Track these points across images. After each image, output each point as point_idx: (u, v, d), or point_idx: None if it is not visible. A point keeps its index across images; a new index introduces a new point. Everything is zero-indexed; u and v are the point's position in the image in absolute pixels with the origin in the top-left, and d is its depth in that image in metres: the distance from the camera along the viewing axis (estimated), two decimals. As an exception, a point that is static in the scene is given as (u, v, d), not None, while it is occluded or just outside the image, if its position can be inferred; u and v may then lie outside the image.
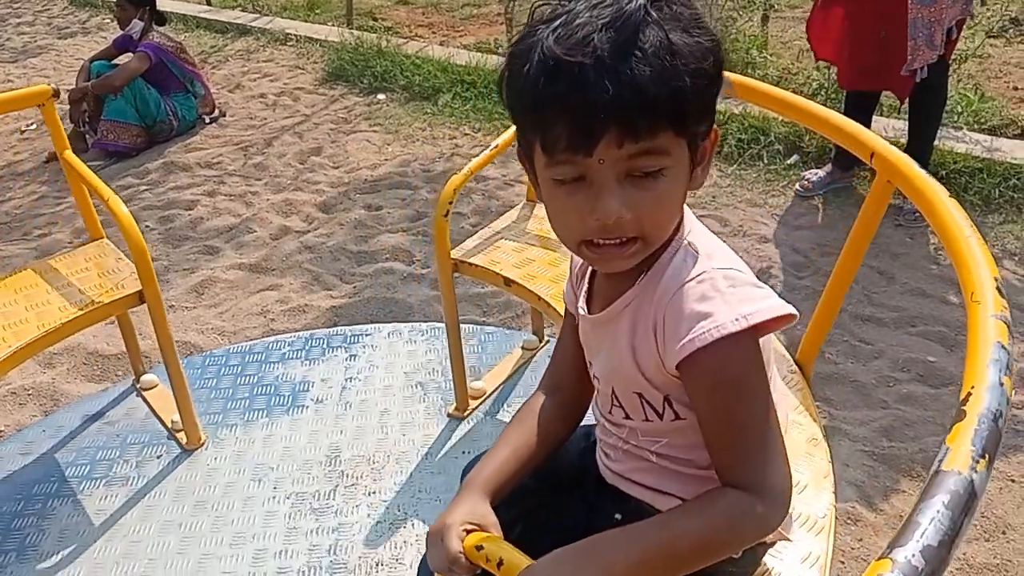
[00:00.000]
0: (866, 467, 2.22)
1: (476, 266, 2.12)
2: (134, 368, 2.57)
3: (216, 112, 5.02)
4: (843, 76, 3.43)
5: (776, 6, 5.72)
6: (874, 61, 3.23)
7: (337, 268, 3.31)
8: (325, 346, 2.68)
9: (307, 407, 2.41)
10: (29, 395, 2.67)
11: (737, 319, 0.87)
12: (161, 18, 4.87)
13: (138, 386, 2.54)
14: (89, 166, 4.38)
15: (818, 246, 3.22)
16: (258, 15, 6.95)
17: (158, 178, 4.29)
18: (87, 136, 4.65)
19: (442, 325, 2.31)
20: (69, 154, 2.29)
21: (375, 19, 6.70)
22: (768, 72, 4.60)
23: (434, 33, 6.40)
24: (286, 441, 2.29)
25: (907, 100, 3.34)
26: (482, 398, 2.39)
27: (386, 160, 4.30)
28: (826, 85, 4.23)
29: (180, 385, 2.17)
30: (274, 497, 2.10)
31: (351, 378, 2.52)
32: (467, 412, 2.36)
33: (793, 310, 0.90)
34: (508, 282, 2.05)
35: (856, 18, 3.24)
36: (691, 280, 0.92)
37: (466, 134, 4.53)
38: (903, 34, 3.08)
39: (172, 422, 2.35)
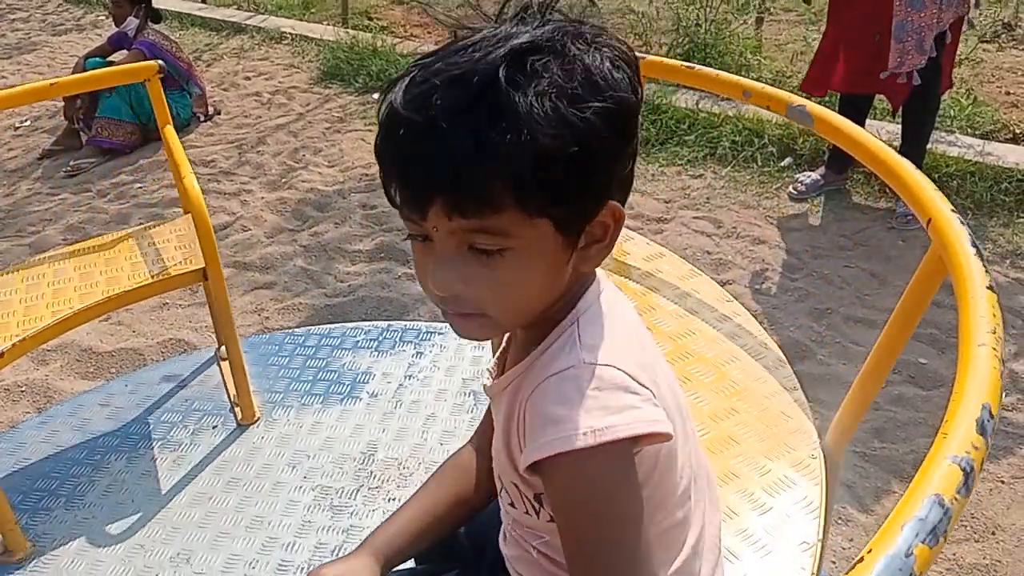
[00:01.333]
0: (857, 468, 2.23)
1: None
2: (217, 336, 2.60)
3: (211, 110, 5.01)
4: (836, 79, 3.44)
5: (771, 9, 5.74)
6: (867, 65, 3.25)
7: (332, 267, 3.32)
8: (397, 339, 2.66)
9: (361, 399, 2.40)
10: (23, 392, 2.67)
11: (586, 433, 0.73)
12: (156, 15, 4.86)
13: (219, 355, 2.56)
14: (82, 163, 4.41)
15: (811, 248, 3.24)
16: (253, 13, 6.94)
17: (152, 176, 4.29)
18: (81, 133, 4.64)
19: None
20: (169, 129, 2.32)
21: (370, 18, 6.70)
22: (762, 75, 4.62)
23: (429, 33, 6.40)
24: (330, 431, 2.29)
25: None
26: None
27: (381, 159, 4.29)
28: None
29: (237, 361, 2.20)
30: (301, 487, 2.11)
31: (410, 376, 2.49)
32: None
33: (665, 429, 0.76)
34: None
35: (851, 22, 3.26)
36: (557, 373, 0.77)
37: (461, 134, 4.53)
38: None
39: (234, 395, 2.37)
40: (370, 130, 4.66)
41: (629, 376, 0.76)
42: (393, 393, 2.43)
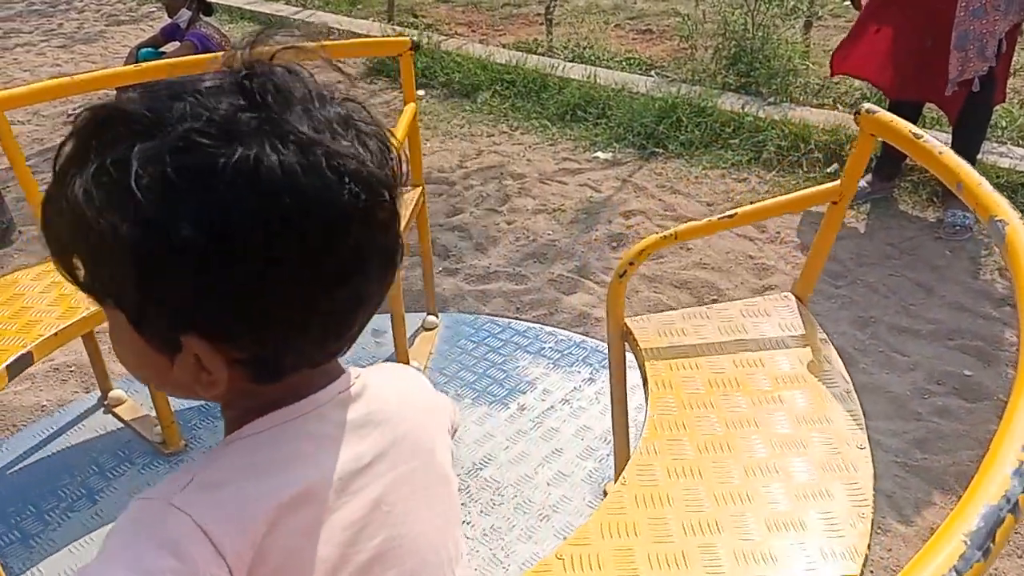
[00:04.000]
0: (898, 478, 2.21)
1: (639, 347, 1.73)
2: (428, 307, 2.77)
3: (258, 102, 5.08)
4: (887, 87, 3.40)
5: (820, 14, 5.67)
6: (918, 71, 3.21)
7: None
8: (581, 357, 2.57)
9: (508, 408, 2.36)
10: (71, 371, 2.73)
11: None
12: (208, 8, 4.94)
13: (423, 324, 2.73)
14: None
15: (856, 255, 3.20)
16: (301, 8, 7.03)
17: (200, 165, 4.36)
18: (132, 122, 4.73)
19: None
20: (412, 106, 2.41)
21: (415, 16, 6.75)
22: (810, 80, 4.57)
23: (474, 31, 6.44)
24: (461, 430, 2.25)
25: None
26: None
27: (424, 155, 4.33)
28: (868, 95, 4.20)
29: (400, 335, 2.30)
30: None
31: (567, 401, 2.38)
32: None
33: None
34: (644, 380, 1.69)
35: (902, 27, 3.22)
36: (144, 498, 0.65)
37: (503, 132, 4.55)
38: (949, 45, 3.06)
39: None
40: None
41: (203, 535, 0.62)
42: (541, 413, 2.35)
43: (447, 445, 0.84)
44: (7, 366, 1.88)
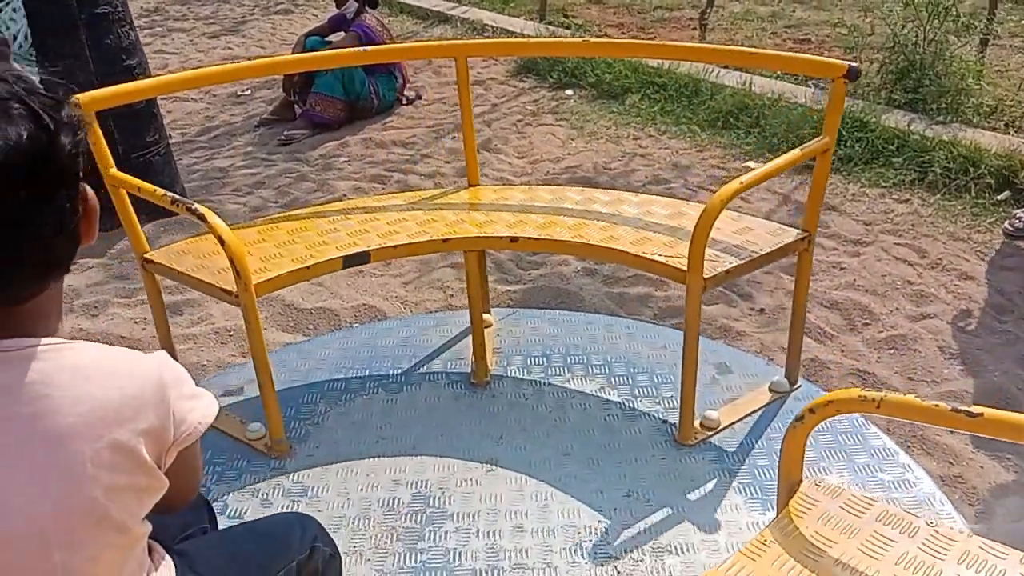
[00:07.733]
0: None
1: (778, 515, 1.39)
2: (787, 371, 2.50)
3: (412, 95, 5.25)
4: None
5: (997, 33, 5.34)
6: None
7: (515, 255, 3.40)
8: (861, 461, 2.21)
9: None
10: (231, 335, 2.91)
11: None
12: (373, 1, 5.14)
13: (771, 385, 2.49)
14: (295, 134, 4.73)
15: (1025, 290, 3.00)
16: (457, 4, 7.20)
17: (356, 152, 4.54)
18: (296, 105, 4.98)
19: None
20: (826, 140, 2.12)
21: (566, 16, 6.79)
22: (983, 101, 4.32)
23: (624, 33, 6.41)
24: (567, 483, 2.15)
25: None
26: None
27: (568, 155, 4.35)
28: (1048, 120, 3.93)
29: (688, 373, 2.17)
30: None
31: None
32: None
33: None
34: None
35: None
36: None
37: (651, 136, 4.52)
38: None
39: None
40: (560, 125, 4.73)
41: None
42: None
43: (114, 445, 0.86)
44: (345, 256, 2.15)
